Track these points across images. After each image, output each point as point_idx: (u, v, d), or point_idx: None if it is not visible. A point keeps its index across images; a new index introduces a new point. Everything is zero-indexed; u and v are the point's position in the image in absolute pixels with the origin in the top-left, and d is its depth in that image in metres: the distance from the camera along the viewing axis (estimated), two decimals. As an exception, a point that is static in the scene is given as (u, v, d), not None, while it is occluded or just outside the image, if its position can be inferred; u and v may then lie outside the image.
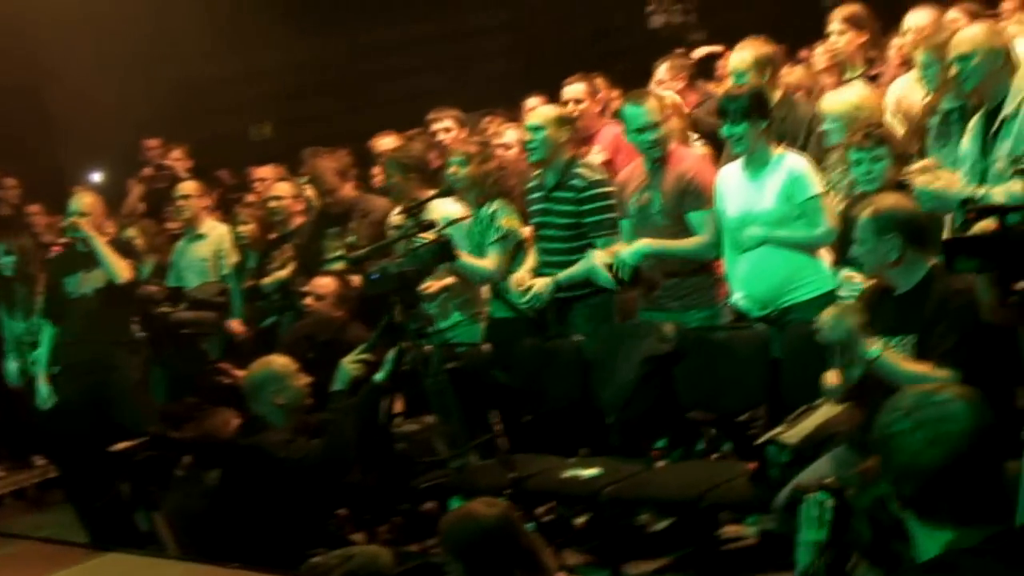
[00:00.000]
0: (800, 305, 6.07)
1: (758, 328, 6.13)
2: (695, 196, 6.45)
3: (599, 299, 6.84)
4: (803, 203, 6.10)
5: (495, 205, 7.11)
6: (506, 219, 7.06)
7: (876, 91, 6.81)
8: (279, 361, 5.89)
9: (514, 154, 7.89)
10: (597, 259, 6.58)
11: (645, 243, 6.47)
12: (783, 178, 6.13)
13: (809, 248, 6.13)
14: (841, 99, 6.40)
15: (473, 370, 6.46)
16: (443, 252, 6.39)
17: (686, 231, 6.49)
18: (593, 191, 6.78)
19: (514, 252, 7.09)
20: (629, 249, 6.46)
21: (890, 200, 5.05)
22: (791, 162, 6.19)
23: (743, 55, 7.17)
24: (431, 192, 7.08)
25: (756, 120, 6.16)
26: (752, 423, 6.13)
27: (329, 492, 5.69)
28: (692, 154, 6.72)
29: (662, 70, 8.57)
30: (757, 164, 6.22)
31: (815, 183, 6.13)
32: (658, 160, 6.58)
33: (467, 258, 6.94)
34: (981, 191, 5.25)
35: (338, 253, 7.79)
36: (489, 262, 7.05)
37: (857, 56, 7.52)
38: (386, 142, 8.77)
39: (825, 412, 5.19)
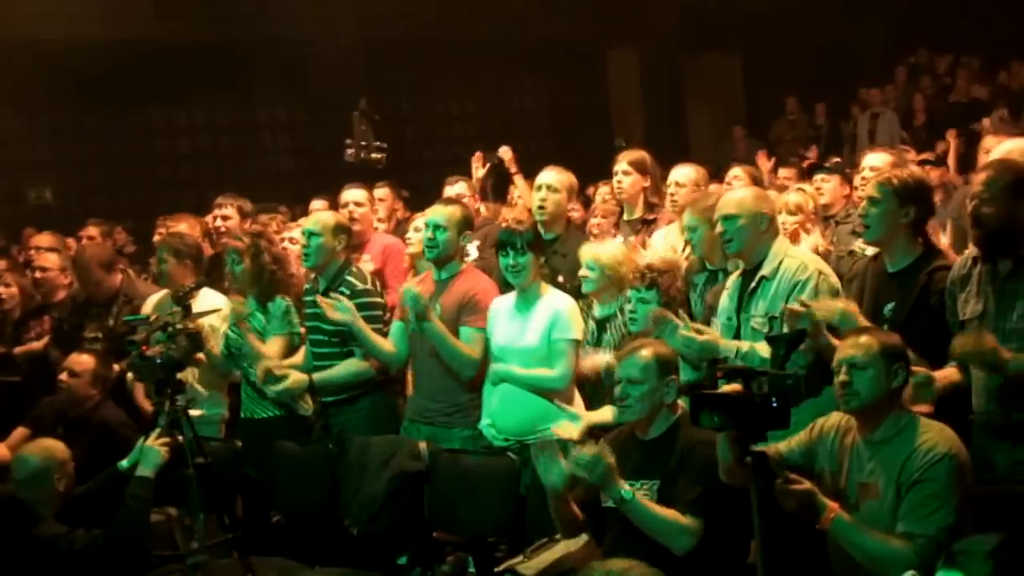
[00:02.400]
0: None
1: (511, 456, 6.17)
2: (471, 311, 6.50)
3: (367, 404, 6.86)
4: (555, 342, 6.21)
5: (288, 301, 7.11)
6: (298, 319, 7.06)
7: (632, 247, 7.03)
8: (57, 447, 5.75)
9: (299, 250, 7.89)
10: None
11: (436, 322, 6.43)
12: (547, 316, 6.24)
13: (542, 391, 6.22)
14: (600, 251, 6.60)
15: (223, 466, 6.37)
16: (194, 343, 6.27)
17: None
18: (358, 300, 6.77)
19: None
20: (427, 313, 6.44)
21: (663, 344, 5.22)
22: (556, 301, 6.31)
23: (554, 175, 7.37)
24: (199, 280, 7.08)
25: (537, 253, 6.31)
26: (498, 548, 6.17)
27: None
28: (483, 277, 6.79)
29: (459, 187, 8.70)
30: (528, 299, 6.33)
31: (573, 327, 6.24)
32: (438, 265, 6.65)
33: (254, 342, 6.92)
34: (746, 345, 5.45)
35: (95, 335, 7.65)
36: (270, 347, 6.99)
37: (637, 199, 7.78)
38: (182, 227, 8.71)
39: (565, 546, 5.28)
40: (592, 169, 11.89)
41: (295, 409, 6.93)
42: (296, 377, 6.73)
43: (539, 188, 7.40)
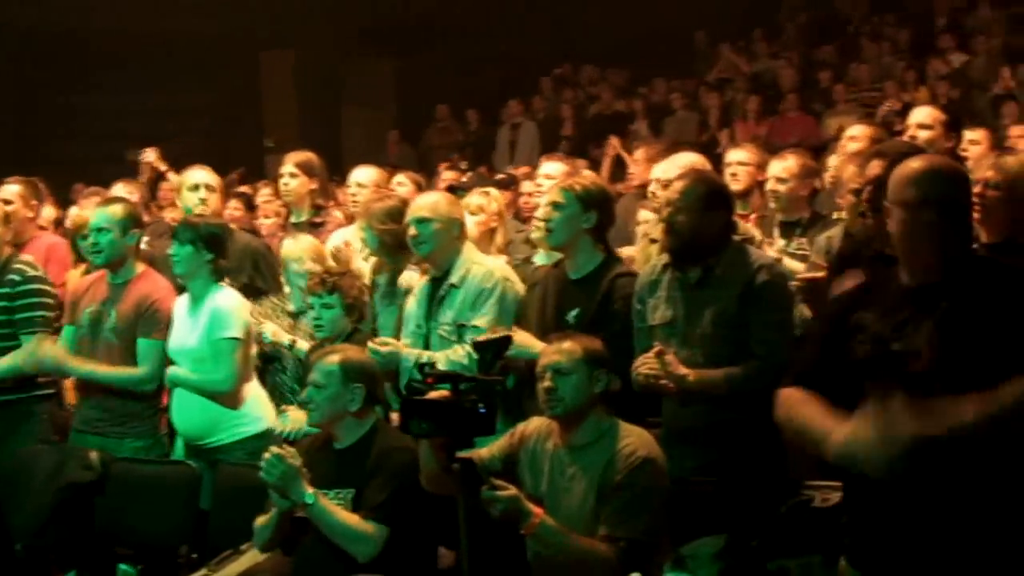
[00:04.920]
0: (226, 447, 6.05)
1: (190, 464, 5.99)
2: (148, 321, 6.25)
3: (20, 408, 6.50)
4: (215, 342, 6.06)
5: None
6: None
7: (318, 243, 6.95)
8: None
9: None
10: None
11: (77, 363, 6.28)
12: (207, 315, 6.09)
13: (208, 393, 6.08)
14: (296, 247, 6.51)
15: None
16: None
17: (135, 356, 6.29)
18: (28, 287, 6.43)
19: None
20: (56, 358, 6.28)
21: (356, 351, 5.15)
22: (220, 298, 6.14)
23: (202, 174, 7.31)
24: None
25: (201, 248, 6.12)
26: (177, 559, 5.94)
27: None
28: (161, 282, 6.50)
29: (118, 188, 8.44)
30: (197, 299, 6.16)
31: (234, 325, 6.08)
32: (110, 269, 6.37)
33: None
34: (426, 355, 5.46)
35: None
36: None
37: (304, 201, 7.69)
38: None
39: (251, 557, 5.15)
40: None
41: None
42: None
43: (196, 187, 7.32)
